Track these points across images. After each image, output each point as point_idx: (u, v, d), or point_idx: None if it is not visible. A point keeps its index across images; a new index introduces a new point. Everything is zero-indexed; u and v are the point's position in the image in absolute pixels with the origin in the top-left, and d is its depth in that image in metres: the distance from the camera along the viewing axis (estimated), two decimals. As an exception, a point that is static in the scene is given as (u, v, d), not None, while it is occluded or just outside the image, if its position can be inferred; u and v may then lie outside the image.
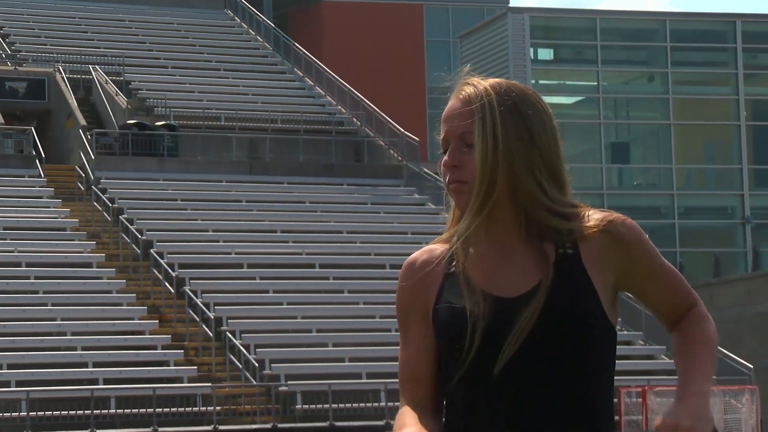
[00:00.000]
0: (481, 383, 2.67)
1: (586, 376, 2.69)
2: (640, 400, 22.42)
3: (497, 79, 2.81)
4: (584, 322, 2.68)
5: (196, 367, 25.96)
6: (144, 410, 23.96)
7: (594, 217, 2.75)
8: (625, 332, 29.88)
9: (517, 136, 2.72)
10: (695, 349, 2.78)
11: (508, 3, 58.81)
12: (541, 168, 2.73)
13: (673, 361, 2.87)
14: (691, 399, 2.68)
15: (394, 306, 2.85)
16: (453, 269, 2.76)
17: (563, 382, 2.67)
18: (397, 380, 2.83)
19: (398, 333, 2.85)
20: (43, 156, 34.44)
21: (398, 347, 2.84)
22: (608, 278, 2.73)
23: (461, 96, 2.78)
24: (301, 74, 42.54)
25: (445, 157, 2.76)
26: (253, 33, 45.29)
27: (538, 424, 2.65)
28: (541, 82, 50.69)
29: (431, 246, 2.84)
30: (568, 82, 51.99)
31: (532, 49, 49.69)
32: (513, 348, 2.64)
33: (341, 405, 25.04)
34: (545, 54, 51.70)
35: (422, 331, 2.77)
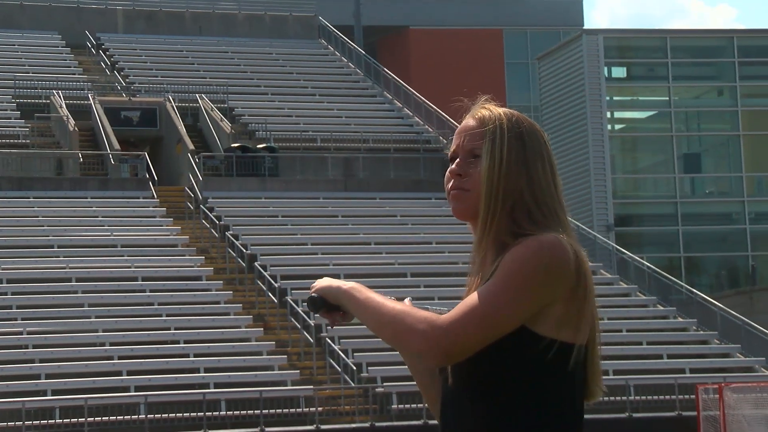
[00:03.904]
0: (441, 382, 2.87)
1: (494, 382, 2.73)
2: (716, 396, 22.02)
3: (510, 110, 2.88)
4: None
5: (298, 371, 26.05)
6: (251, 411, 24.09)
7: (523, 240, 2.76)
8: (701, 332, 29.43)
9: (513, 160, 2.79)
10: (401, 304, 2.82)
11: (583, 25, 58.41)
12: (526, 195, 2.79)
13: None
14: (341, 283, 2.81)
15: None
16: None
17: (473, 390, 2.74)
18: None
19: None
20: (156, 178, 34.85)
21: None
22: None
23: (477, 116, 2.86)
24: (391, 97, 42.59)
25: (452, 166, 2.85)
26: (346, 60, 45.46)
27: (446, 416, 2.81)
28: (615, 98, 50.23)
29: None
30: (641, 98, 51.45)
31: (606, 68, 49.25)
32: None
33: (434, 404, 24.91)
34: (619, 72, 51.20)
35: None
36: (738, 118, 49.02)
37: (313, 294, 2.83)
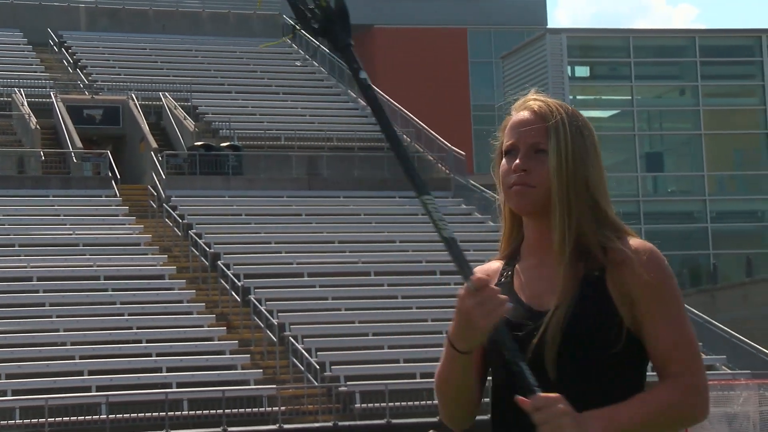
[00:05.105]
0: (511, 381, 2.66)
1: (603, 391, 2.66)
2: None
3: (561, 102, 2.84)
4: (603, 341, 2.66)
5: (261, 371, 25.98)
6: (214, 411, 24.01)
7: (627, 245, 2.72)
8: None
9: (578, 155, 2.76)
10: (639, 398, 2.64)
11: (547, 25, 58.58)
12: (591, 188, 2.75)
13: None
14: (585, 416, 2.56)
15: (445, 310, 2.92)
16: (503, 280, 2.82)
17: (580, 393, 2.63)
18: None
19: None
20: (119, 177, 34.66)
21: None
22: (630, 303, 2.70)
23: (535, 110, 2.80)
24: (355, 95, 42.57)
25: (516, 161, 2.76)
26: (310, 58, 45.41)
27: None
28: (578, 97, 50.42)
29: (490, 261, 2.92)
30: (604, 97, 51.70)
31: (569, 67, 49.46)
32: (552, 362, 2.66)
33: (397, 403, 24.95)
34: (582, 71, 51.44)
35: None
36: (700, 118, 49.35)
37: None
